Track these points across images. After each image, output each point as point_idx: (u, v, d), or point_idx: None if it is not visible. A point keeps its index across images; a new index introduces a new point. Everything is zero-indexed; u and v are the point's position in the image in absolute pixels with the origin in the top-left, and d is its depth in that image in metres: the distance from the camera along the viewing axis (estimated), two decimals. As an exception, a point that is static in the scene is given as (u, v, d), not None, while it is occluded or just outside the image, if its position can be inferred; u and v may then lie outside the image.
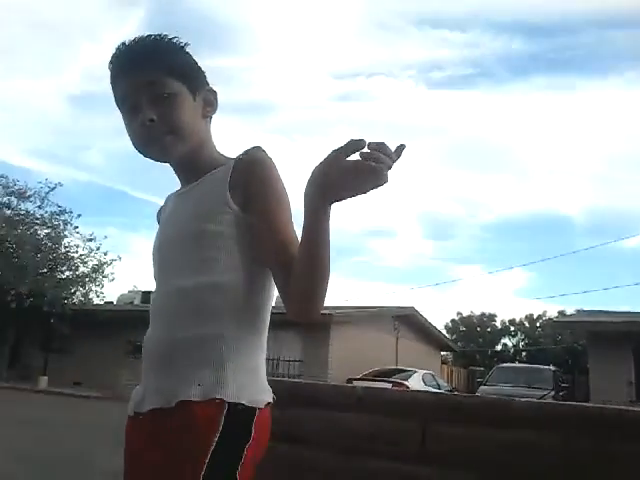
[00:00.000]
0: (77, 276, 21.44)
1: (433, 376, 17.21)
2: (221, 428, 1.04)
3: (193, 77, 1.28)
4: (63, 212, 21.27)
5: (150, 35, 1.26)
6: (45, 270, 20.64)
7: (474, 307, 59.93)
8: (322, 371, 17.48)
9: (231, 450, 1.04)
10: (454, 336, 46.19)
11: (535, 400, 1.94)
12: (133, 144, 1.26)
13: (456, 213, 63.66)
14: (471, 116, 50.93)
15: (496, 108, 51.77)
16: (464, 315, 49.42)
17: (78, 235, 21.60)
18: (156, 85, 1.21)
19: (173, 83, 1.23)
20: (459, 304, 74.23)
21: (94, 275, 21.59)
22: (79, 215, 21.70)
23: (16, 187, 20.65)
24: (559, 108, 53.68)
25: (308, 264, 1.05)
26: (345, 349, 18.20)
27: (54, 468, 5.93)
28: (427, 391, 7.36)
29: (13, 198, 20.67)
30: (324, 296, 1.08)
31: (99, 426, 9.58)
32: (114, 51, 1.25)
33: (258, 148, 1.23)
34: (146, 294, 23.53)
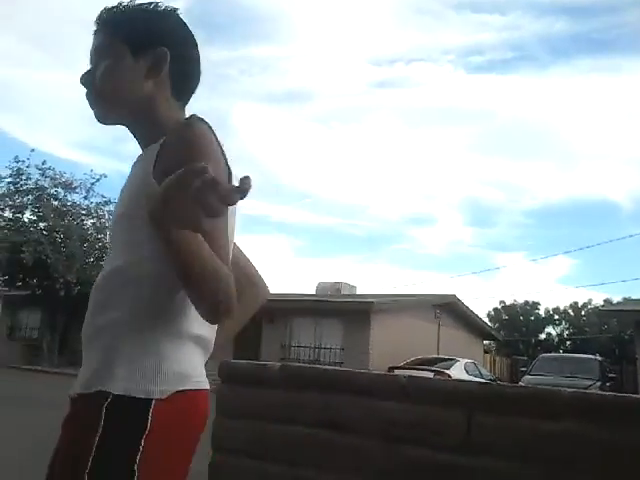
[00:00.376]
0: (123, 265, 21.95)
1: (475, 365, 17.04)
2: (102, 422, 1.00)
3: (137, 37, 1.23)
4: (107, 202, 21.76)
5: (108, 8, 1.27)
6: (91, 259, 21.16)
7: (517, 295, 59.03)
8: (363, 359, 17.51)
9: (120, 443, 1.00)
10: (497, 325, 45.66)
11: (581, 390, 1.91)
12: None
13: (498, 199, 62.73)
14: (513, 100, 50.01)
15: (538, 92, 50.71)
16: (507, 303, 48.76)
17: (123, 225, 22.09)
18: (97, 50, 1.24)
19: (115, 48, 1.22)
20: (502, 292, 73.26)
21: (140, 265, 22.07)
22: (124, 205, 22.18)
23: (63, 179, 21.20)
24: (604, 90, 52.23)
25: (177, 274, 0.99)
26: (386, 337, 18.18)
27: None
28: (471, 380, 7.29)
29: (60, 189, 21.24)
30: (212, 300, 0.99)
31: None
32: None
33: (191, 120, 1.14)
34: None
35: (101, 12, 1.26)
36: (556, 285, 65.35)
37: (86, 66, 1.26)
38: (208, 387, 1.16)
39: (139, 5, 1.26)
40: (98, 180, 21.62)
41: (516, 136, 53.48)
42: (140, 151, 1.26)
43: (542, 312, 48.94)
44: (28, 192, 20.52)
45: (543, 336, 48.49)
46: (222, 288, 0.97)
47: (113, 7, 1.25)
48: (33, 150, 23.12)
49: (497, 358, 30.94)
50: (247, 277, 1.38)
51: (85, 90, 1.24)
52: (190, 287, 0.99)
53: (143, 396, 1.02)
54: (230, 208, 0.98)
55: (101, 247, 21.48)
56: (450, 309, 22.73)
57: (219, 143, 1.13)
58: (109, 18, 1.24)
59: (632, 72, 53.46)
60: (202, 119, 1.14)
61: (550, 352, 26.63)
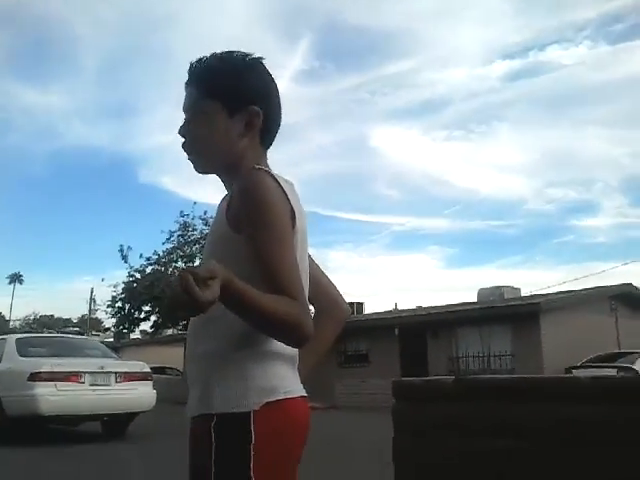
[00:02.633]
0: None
1: (664, 356, 15.66)
2: (214, 440, 1.14)
3: (231, 95, 1.31)
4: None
5: (216, 53, 1.35)
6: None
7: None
8: (536, 362, 16.76)
9: (233, 456, 1.13)
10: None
11: None
12: None
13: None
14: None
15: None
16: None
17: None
18: (192, 107, 1.33)
19: (208, 103, 1.31)
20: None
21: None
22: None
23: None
24: None
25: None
26: (559, 337, 17.28)
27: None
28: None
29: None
30: (285, 338, 1.13)
31: (318, 436, 10.21)
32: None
33: (253, 171, 1.23)
34: (349, 305, 24.28)
35: (194, 66, 1.34)
36: None
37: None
38: (301, 394, 1.28)
39: (229, 59, 1.33)
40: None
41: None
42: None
43: None
44: (195, 242, 22.21)
45: None
46: (290, 325, 1.08)
47: (205, 62, 1.34)
48: (195, 203, 25.06)
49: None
50: (328, 298, 1.49)
51: (182, 140, 1.34)
52: (263, 332, 1.14)
53: (242, 410, 1.15)
54: (301, 231, 1.26)
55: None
56: (627, 299, 21.06)
57: (281, 186, 1.22)
58: (203, 76, 1.33)
59: None
60: (260, 168, 1.24)
61: None
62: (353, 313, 23.21)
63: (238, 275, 1.03)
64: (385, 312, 25.88)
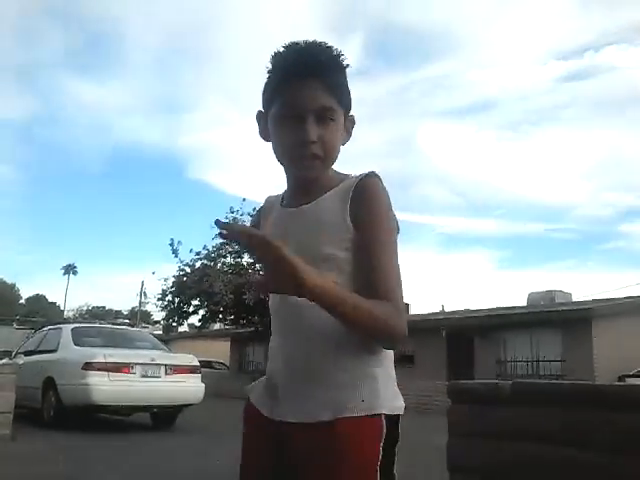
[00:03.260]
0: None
1: None
2: (368, 440, 1.14)
3: (348, 103, 1.31)
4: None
5: (325, 45, 1.26)
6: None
7: None
8: (586, 369, 16.35)
9: (384, 456, 1.14)
10: None
11: None
12: (276, 149, 1.30)
13: None
14: None
15: None
16: None
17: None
18: (327, 109, 1.24)
19: (338, 109, 1.26)
20: None
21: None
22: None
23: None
24: None
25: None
26: (612, 344, 16.81)
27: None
28: None
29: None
30: (380, 338, 1.16)
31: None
32: (285, 50, 1.26)
33: (373, 175, 1.26)
34: (405, 305, 24.16)
35: (324, 59, 1.25)
36: None
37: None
38: None
39: (342, 59, 1.27)
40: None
41: None
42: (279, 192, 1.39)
43: None
44: (244, 238, 22.53)
45: None
46: (381, 325, 1.11)
47: (332, 59, 1.26)
48: (244, 199, 25.33)
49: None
50: None
51: (307, 141, 1.23)
52: (361, 334, 1.16)
53: (392, 412, 1.17)
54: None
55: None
56: (684, 307, 20.35)
57: None
58: (335, 80, 1.26)
59: None
60: (377, 174, 1.27)
61: None
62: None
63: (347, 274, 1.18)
64: (432, 313, 25.64)
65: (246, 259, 22.73)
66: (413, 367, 19.91)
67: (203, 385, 10.00)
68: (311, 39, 1.26)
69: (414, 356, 20.50)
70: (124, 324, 18.45)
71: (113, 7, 45.47)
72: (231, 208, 22.59)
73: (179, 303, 22.81)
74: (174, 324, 24.09)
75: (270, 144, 1.34)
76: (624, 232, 61.85)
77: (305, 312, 1.18)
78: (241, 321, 23.53)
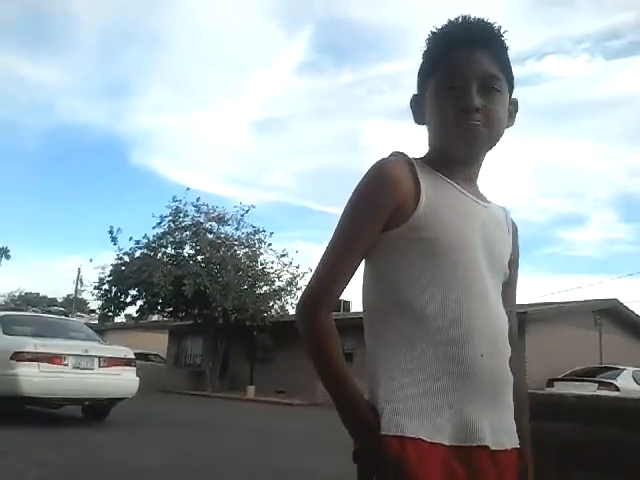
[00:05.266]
0: (274, 290, 22.97)
1: (646, 373, 15.81)
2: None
3: (512, 82, 1.26)
4: (257, 232, 22.99)
5: (489, 23, 1.22)
6: (245, 287, 22.35)
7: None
8: (519, 372, 16.84)
9: None
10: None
11: None
12: (434, 124, 1.24)
13: (656, 192, 57.55)
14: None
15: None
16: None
17: (272, 252, 23.19)
18: (494, 79, 1.19)
19: (504, 81, 1.22)
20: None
21: (289, 288, 23.00)
22: (272, 233, 23.30)
23: (215, 213, 22.72)
24: None
25: None
26: (543, 349, 17.39)
27: (270, 476, 6.30)
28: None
29: (214, 223, 22.77)
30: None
31: (306, 433, 10.24)
32: (455, 21, 1.22)
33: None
34: (346, 302, 24.40)
35: (497, 31, 1.22)
36: None
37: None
38: None
39: (504, 39, 1.24)
40: (247, 211, 22.93)
41: (670, 120, 48.88)
42: (439, 179, 1.23)
43: None
44: (186, 228, 22.20)
45: None
46: None
47: (502, 36, 1.23)
48: (188, 189, 25.12)
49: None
50: None
51: (472, 108, 1.17)
52: None
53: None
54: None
55: (254, 275, 22.66)
56: (612, 314, 21.25)
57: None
58: (504, 54, 1.24)
59: None
60: None
61: None
62: (339, 311, 23.25)
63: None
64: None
65: (187, 250, 22.46)
66: (351, 365, 19.99)
67: (137, 379, 9.79)
68: (470, 15, 1.22)
69: (353, 354, 20.68)
70: (58, 312, 17.86)
71: (59, -17, 44.33)
72: (174, 197, 22.27)
73: (116, 293, 22.31)
74: (110, 314, 23.52)
75: (426, 126, 1.27)
76: (559, 239, 64.17)
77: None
78: (180, 313, 23.22)
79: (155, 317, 27.57)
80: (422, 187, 1.17)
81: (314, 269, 1.21)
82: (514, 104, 1.28)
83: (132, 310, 23.70)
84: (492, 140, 1.22)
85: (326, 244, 1.21)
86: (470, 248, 1.18)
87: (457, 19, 1.22)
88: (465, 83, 1.17)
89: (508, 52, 1.24)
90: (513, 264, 1.28)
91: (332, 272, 1.18)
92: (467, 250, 1.18)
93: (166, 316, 24.81)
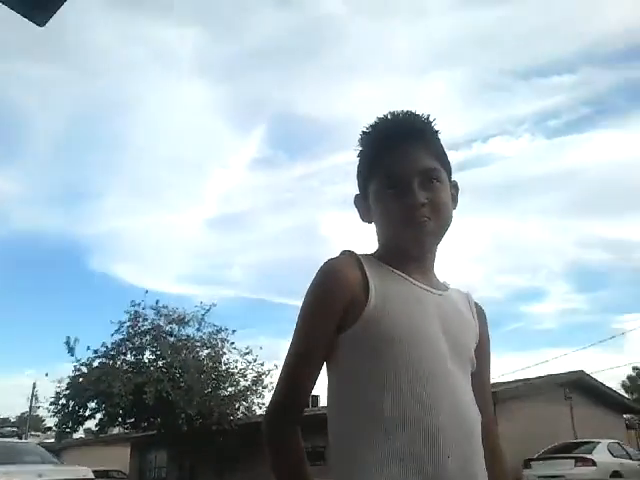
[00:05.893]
0: (239, 391, 22.26)
1: (620, 445, 15.71)
2: None
3: (449, 167, 1.29)
4: (220, 331, 22.48)
5: (418, 114, 1.25)
6: (209, 389, 21.62)
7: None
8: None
9: None
10: (635, 395, 41.89)
11: None
12: (382, 224, 1.25)
13: (605, 260, 59.52)
14: (600, 156, 48.43)
15: (625, 142, 48.91)
16: (641, 369, 44.81)
17: (235, 351, 22.63)
18: (433, 171, 1.21)
19: (441, 170, 1.24)
20: (632, 357, 67.73)
21: (254, 387, 22.34)
22: (234, 331, 22.82)
23: (176, 314, 22.25)
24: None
25: None
26: (514, 427, 17.13)
27: None
28: None
29: (174, 325, 22.21)
30: None
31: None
32: (385, 118, 1.25)
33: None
34: (314, 397, 23.81)
35: (424, 125, 1.25)
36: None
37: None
38: None
39: (434, 126, 1.27)
40: (209, 310, 22.52)
41: (611, 192, 51.43)
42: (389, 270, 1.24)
43: (683, 373, 44.56)
44: (146, 332, 21.59)
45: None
46: None
47: (432, 126, 1.25)
48: (147, 292, 24.59)
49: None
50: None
51: (417, 205, 1.19)
52: None
53: None
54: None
55: (217, 376, 22.01)
56: (580, 386, 21.26)
57: None
58: (438, 144, 1.26)
59: None
60: None
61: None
62: (308, 406, 22.61)
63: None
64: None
65: (147, 355, 21.80)
66: (324, 464, 19.34)
67: (97, 500, 9.20)
68: (397, 110, 1.24)
69: (324, 452, 19.98)
70: (10, 434, 16.89)
71: (10, 91, 45.36)
72: (132, 301, 21.82)
73: (74, 406, 21.26)
74: (68, 430, 22.32)
75: (373, 225, 1.29)
76: (519, 314, 64.99)
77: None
78: (142, 424, 22.21)
79: (116, 430, 26.29)
80: (370, 283, 1.16)
81: (275, 382, 1.20)
82: (455, 187, 1.31)
83: (92, 424, 22.60)
84: (442, 229, 1.24)
85: (287, 346, 1.19)
86: (428, 340, 1.16)
87: (386, 116, 1.25)
88: (406, 182, 1.19)
89: (439, 138, 1.27)
90: (482, 349, 1.27)
91: (293, 384, 1.17)
92: (424, 342, 1.15)
93: (127, 428, 23.68)
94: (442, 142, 1.28)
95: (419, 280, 1.22)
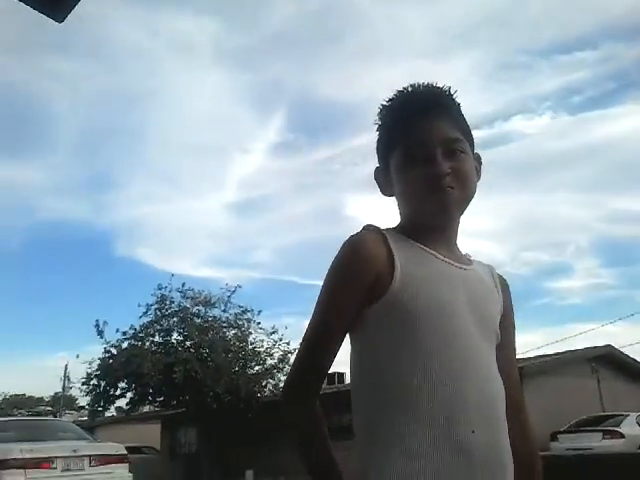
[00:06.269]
0: (266, 369, 22.51)
1: (649, 418, 15.57)
2: None
3: (472, 139, 1.30)
4: (245, 312, 22.71)
5: (437, 87, 1.25)
6: (237, 368, 21.89)
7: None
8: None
9: None
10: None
11: None
12: (405, 196, 1.24)
13: (632, 233, 58.41)
14: (624, 131, 47.29)
15: (651, 115, 47.69)
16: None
17: (261, 331, 22.86)
18: (456, 142, 1.21)
19: (464, 141, 1.24)
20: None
21: (281, 365, 22.56)
22: (260, 312, 23.03)
23: (202, 297, 22.50)
24: None
25: None
26: (541, 403, 17.09)
27: None
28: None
29: (201, 307, 22.49)
30: None
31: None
32: (406, 90, 1.25)
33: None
34: (331, 375, 23.99)
35: (446, 96, 1.25)
36: None
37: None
38: None
39: (455, 98, 1.27)
40: (234, 292, 22.73)
41: (638, 166, 50.31)
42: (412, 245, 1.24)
43: None
44: (173, 315, 21.90)
45: None
46: None
47: (454, 98, 1.26)
48: (173, 275, 24.85)
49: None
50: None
51: (441, 174, 1.18)
52: None
53: None
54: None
55: (244, 355, 22.27)
56: (608, 361, 21.10)
57: None
58: (459, 115, 1.26)
59: None
60: None
61: None
62: (334, 383, 22.80)
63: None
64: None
65: (175, 337, 22.12)
66: (352, 439, 19.50)
67: (131, 475, 9.46)
68: (418, 82, 1.24)
69: (350, 428, 20.16)
70: (46, 413, 17.34)
71: (39, 82, 45.96)
72: (159, 285, 22.10)
73: (105, 387, 21.72)
74: (100, 409, 22.83)
75: (394, 198, 1.29)
76: (546, 290, 64.28)
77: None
78: (172, 402, 22.61)
79: (146, 408, 26.82)
80: (396, 259, 1.16)
81: (296, 352, 1.22)
82: (477, 159, 1.30)
83: (122, 403, 23.09)
84: (466, 200, 1.23)
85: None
86: (454, 315, 1.16)
87: (406, 89, 1.25)
88: (430, 152, 1.18)
89: (461, 110, 1.27)
90: (506, 321, 1.27)
91: (313, 352, 1.18)
92: (451, 317, 1.15)
93: (157, 406, 24.14)
94: (464, 115, 1.27)
95: (443, 253, 1.22)
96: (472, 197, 1.24)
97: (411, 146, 1.20)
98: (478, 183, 1.28)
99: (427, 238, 1.22)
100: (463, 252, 1.31)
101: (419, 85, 1.24)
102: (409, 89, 1.24)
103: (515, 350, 1.31)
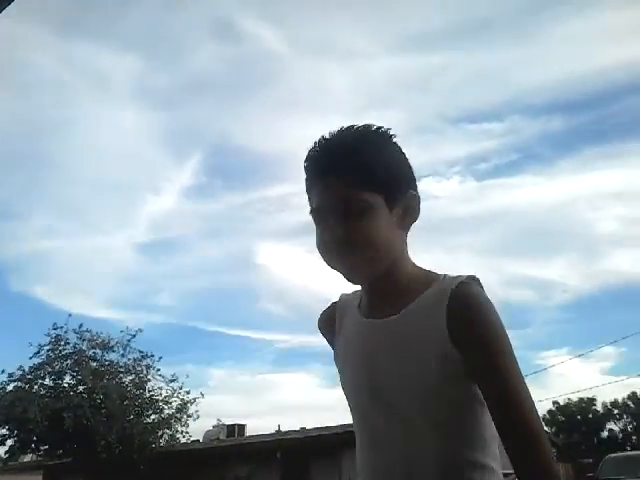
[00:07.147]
0: (163, 419, 21.57)
1: None
2: None
3: (393, 186, 1.15)
4: (145, 357, 21.78)
5: (352, 131, 1.16)
6: (132, 417, 20.87)
7: (570, 394, 56.40)
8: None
9: None
10: (554, 428, 43.33)
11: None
12: (320, 255, 1.18)
13: (528, 298, 61.62)
14: (525, 199, 50.49)
15: (549, 186, 51.27)
16: (561, 403, 46.45)
17: (160, 378, 21.97)
18: (350, 202, 1.10)
19: (369, 196, 1.11)
20: (552, 393, 70.18)
21: (179, 415, 21.70)
22: (160, 358, 22.17)
23: (100, 339, 21.44)
24: (614, 177, 52.68)
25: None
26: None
27: None
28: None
29: (98, 350, 21.37)
30: None
31: None
32: (311, 149, 1.18)
33: (473, 281, 1.13)
34: (230, 428, 23.36)
35: (337, 154, 1.13)
36: (608, 377, 62.59)
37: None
38: None
39: (377, 141, 1.16)
40: (134, 336, 21.81)
41: (535, 233, 53.53)
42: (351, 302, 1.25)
43: (600, 408, 46.40)
44: (67, 357, 20.70)
45: (605, 434, 45.68)
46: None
47: (353, 148, 1.13)
48: (70, 315, 23.57)
49: (560, 464, 29.09)
50: None
51: (335, 240, 1.11)
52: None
53: None
54: None
55: (141, 403, 21.30)
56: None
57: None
58: (358, 167, 1.11)
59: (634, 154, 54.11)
60: (478, 280, 1.14)
61: (616, 452, 24.72)
62: (234, 435, 22.18)
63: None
64: (268, 434, 25.02)
65: (67, 380, 20.88)
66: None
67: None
68: (340, 126, 1.16)
69: (249, 481, 19.57)
70: None
71: None
72: (54, 324, 20.90)
73: (-17, 433, 20.05)
74: (-25, 458, 21.01)
75: None
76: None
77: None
78: (58, 451, 21.16)
79: (28, 457, 24.90)
80: (336, 330, 1.23)
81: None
82: (412, 199, 1.19)
83: (1, 451, 21.34)
84: (376, 258, 1.13)
85: None
86: (355, 389, 1.17)
87: (319, 141, 1.17)
88: (322, 217, 1.14)
89: (378, 152, 1.15)
90: (475, 360, 1.05)
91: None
92: (355, 392, 1.18)
93: (41, 455, 22.50)
94: (389, 157, 1.17)
95: (375, 305, 1.18)
96: (386, 250, 1.13)
97: (311, 210, 1.18)
98: (414, 222, 1.21)
99: (365, 291, 1.22)
100: (417, 285, 1.16)
101: (329, 138, 1.16)
102: (317, 143, 1.17)
103: (506, 392, 1.02)
